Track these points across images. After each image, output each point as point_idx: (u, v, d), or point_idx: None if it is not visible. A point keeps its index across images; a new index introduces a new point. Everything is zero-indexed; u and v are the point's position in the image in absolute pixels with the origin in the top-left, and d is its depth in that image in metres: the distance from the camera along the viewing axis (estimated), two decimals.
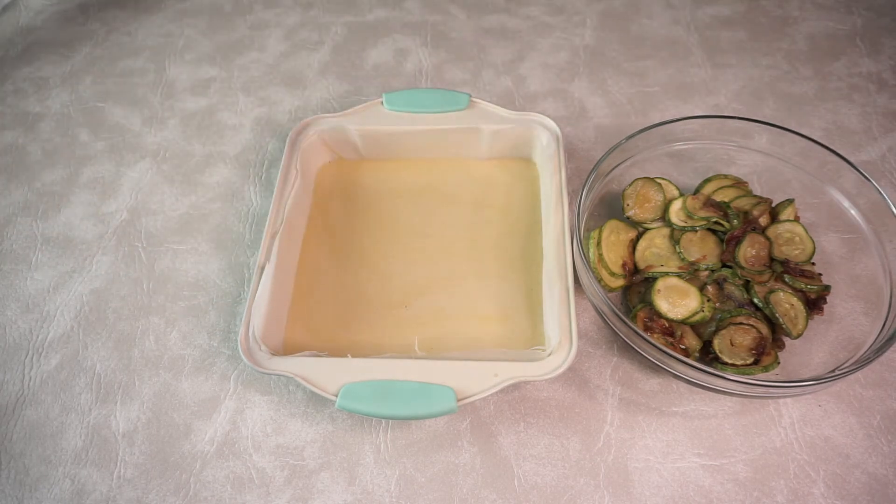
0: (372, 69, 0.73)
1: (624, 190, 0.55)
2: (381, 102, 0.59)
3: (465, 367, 0.45)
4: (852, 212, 0.52)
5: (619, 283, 0.51)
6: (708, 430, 0.47)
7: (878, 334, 0.45)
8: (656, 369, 0.46)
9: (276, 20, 0.79)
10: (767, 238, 0.51)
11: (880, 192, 0.47)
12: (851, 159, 0.51)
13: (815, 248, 0.50)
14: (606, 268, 0.51)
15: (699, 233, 0.51)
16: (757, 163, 0.59)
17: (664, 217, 0.53)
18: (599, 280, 0.51)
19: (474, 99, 0.59)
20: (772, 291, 0.48)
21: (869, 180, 0.48)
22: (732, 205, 0.53)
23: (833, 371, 0.43)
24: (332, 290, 0.54)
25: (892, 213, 0.47)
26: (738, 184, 0.55)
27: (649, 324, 0.48)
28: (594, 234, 0.52)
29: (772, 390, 0.42)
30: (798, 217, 0.52)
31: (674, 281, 0.49)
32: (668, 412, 0.48)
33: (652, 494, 0.44)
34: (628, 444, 0.46)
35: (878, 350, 0.42)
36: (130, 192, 0.63)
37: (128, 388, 0.51)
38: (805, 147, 0.54)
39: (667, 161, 0.58)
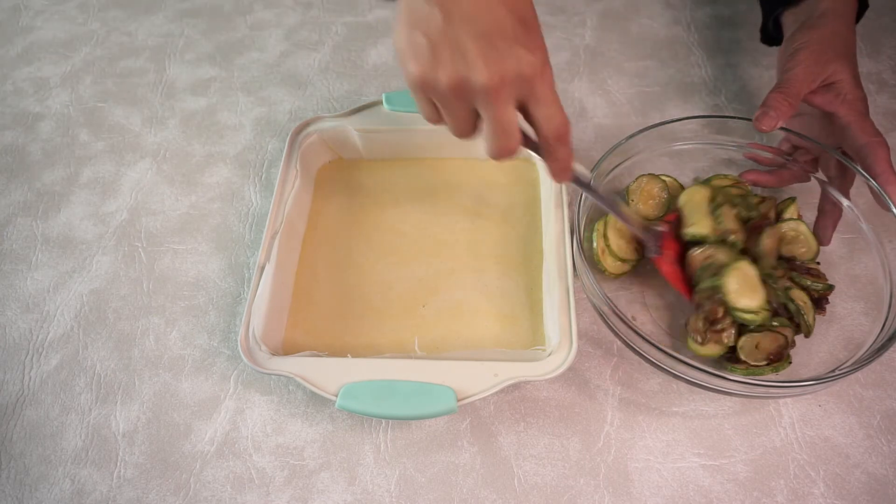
0: (372, 69, 0.73)
1: (628, 186, 0.55)
2: (381, 102, 0.59)
3: (465, 367, 0.45)
4: (852, 212, 0.52)
5: (625, 269, 0.52)
6: (708, 430, 0.47)
7: (878, 334, 0.45)
8: (656, 369, 0.46)
9: (276, 20, 0.79)
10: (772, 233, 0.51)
11: (880, 192, 0.47)
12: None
13: (819, 246, 0.50)
14: (613, 254, 0.51)
15: (735, 209, 0.51)
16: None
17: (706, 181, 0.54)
18: (603, 269, 0.52)
19: None
20: (788, 288, 0.48)
21: (869, 180, 0.48)
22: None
23: (833, 371, 0.43)
24: (331, 290, 0.54)
25: (893, 213, 0.47)
26: (738, 184, 0.55)
27: (707, 304, 0.47)
28: (598, 224, 0.52)
29: (772, 390, 0.42)
30: (801, 216, 0.52)
31: (749, 272, 0.47)
32: (668, 412, 0.48)
33: (652, 494, 0.44)
34: (628, 444, 0.46)
35: (878, 350, 0.42)
36: (130, 192, 0.63)
37: (128, 388, 0.51)
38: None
39: (667, 161, 0.58)
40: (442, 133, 0.58)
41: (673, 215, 0.52)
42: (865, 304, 0.51)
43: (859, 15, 0.53)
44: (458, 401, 0.43)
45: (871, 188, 0.48)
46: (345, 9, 0.79)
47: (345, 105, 0.69)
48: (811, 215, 0.54)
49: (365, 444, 0.47)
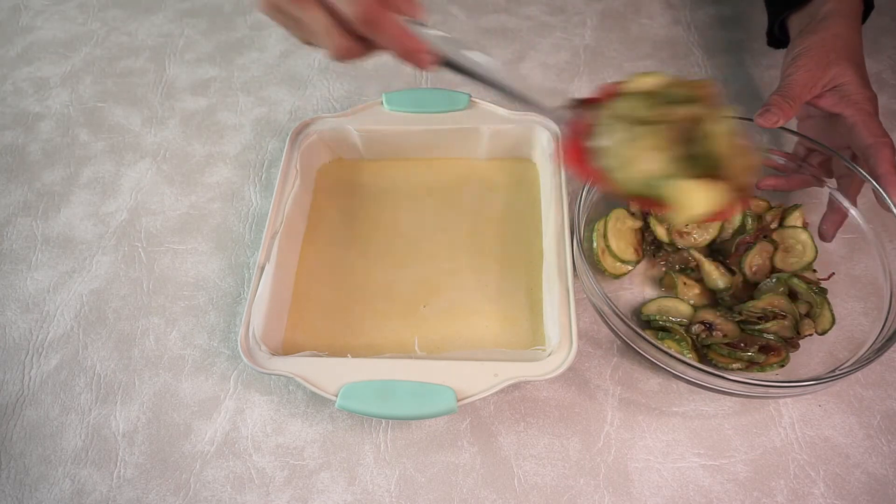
0: (372, 69, 0.73)
1: None
2: (381, 102, 0.59)
3: (465, 367, 0.45)
4: (852, 212, 0.52)
5: (625, 269, 0.52)
6: (708, 430, 0.47)
7: (878, 334, 0.45)
8: (656, 369, 0.46)
9: None
10: (773, 242, 0.51)
11: (880, 193, 0.47)
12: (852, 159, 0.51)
13: (816, 256, 0.50)
14: (613, 255, 0.51)
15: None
16: (757, 162, 0.59)
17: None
18: (603, 269, 0.52)
19: (474, 99, 0.59)
20: (760, 330, 0.48)
21: (869, 180, 0.48)
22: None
23: (833, 371, 0.43)
24: (331, 290, 0.54)
25: (893, 213, 0.47)
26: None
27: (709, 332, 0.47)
28: (598, 224, 0.52)
29: (772, 390, 0.42)
30: (807, 223, 0.52)
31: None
32: (668, 412, 0.48)
33: (652, 494, 0.44)
34: (628, 444, 0.46)
35: (878, 350, 0.42)
36: (130, 192, 0.63)
37: (128, 388, 0.51)
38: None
39: None
40: (442, 133, 0.59)
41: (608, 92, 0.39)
42: (865, 304, 0.51)
43: (865, 16, 0.53)
44: (458, 401, 0.43)
45: (872, 188, 0.48)
46: None
47: (345, 105, 0.69)
48: (812, 216, 0.54)
49: (365, 444, 0.47)
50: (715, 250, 0.53)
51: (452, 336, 0.51)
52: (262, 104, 0.70)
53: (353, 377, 0.45)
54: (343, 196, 0.60)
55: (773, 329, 0.46)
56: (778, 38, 0.58)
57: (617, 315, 0.44)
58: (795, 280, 0.48)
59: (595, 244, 0.52)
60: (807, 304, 0.48)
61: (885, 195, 0.47)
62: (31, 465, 0.47)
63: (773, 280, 0.49)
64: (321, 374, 0.45)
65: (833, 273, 0.51)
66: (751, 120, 0.50)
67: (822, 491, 0.44)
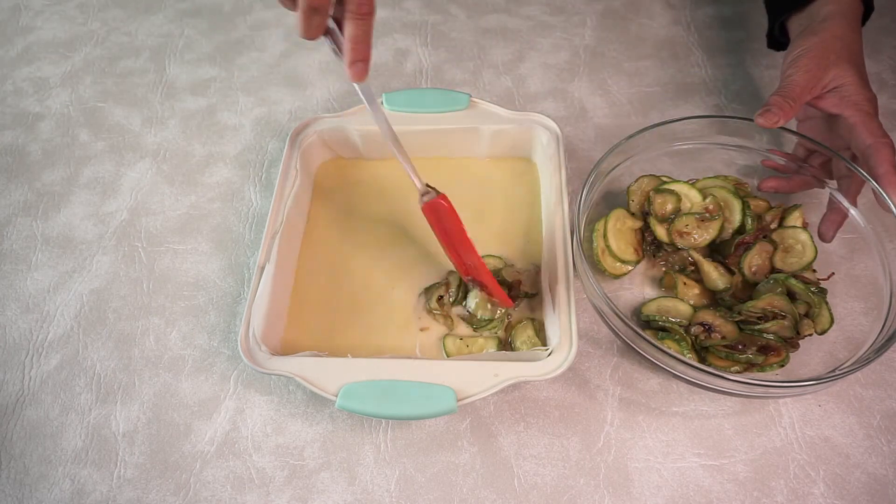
0: (372, 69, 0.72)
1: (629, 186, 0.55)
2: (381, 102, 0.59)
3: (465, 367, 0.45)
4: (852, 212, 0.52)
5: (625, 269, 0.52)
6: (708, 430, 0.47)
7: (878, 334, 0.45)
8: (656, 369, 0.46)
9: (276, 20, 0.79)
10: (773, 242, 0.51)
11: (880, 192, 0.47)
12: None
13: (815, 256, 0.50)
14: (613, 255, 0.51)
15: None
16: (757, 163, 0.59)
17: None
18: (603, 269, 0.52)
19: (474, 99, 0.59)
20: (759, 330, 0.48)
21: (869, 181, 0.48)
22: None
23: (833, 371, 0.43)
24: (331, 290, 0.54)
25: (893, 213, 0.47)
26: (739, 184, 0.55)
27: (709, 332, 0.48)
28: (598, 224, 0.53)
29: (772, 390, 0.42)
30: (806, 224, 0.52)
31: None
32: (668, 412, 0.48)
33: (652, 494, 0.44)
34: (628, 444, 0.46)
35: (878, 350, 0.42)
36: (130, 192, 0.63)
37: (128, 388, 0.51)
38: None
39: (667, 161, 0.58)
40: (442, 133, 0.59)
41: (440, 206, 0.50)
42: (865, 304, 0.51)
43: (865, 17, 0.54)
44: (458, 401, 0.43)
45: (872, 188, 0.48)
46: None
47: (345, 105, 0.69)
48: (812, 216, 0.54)
49: (365, 444, 0.47)
50: (714, 250, 0.53)
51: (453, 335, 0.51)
52: (262, 104, 0.70)
53: (353, 377, 0.45)
54: (343, 196, 0.60)
55: (772, 329, 0.46)
56: (778, 39, 0.58)
57: (617, 315, 0.44)
58: (793, 281, 0.48)
59: (595, 244, 0.52)
60: (805, 304, 0.48)
61: (884, 195, 0.47)
62: (31, 465, 0.47)
63: (771, 281, 0.49)
64: (321, 374, 0.45)
65: (833, 273, 0.51)
66: (751, 120, 0.50)
67: (822, 491, 0.44)
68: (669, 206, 0.53)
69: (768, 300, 0.47)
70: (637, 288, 0.54)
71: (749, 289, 0.50)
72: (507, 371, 0.44)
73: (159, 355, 0.52)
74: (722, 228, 0.52)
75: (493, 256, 0.55)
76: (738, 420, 0.47)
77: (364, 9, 0.41)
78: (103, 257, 0.58)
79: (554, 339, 0.46)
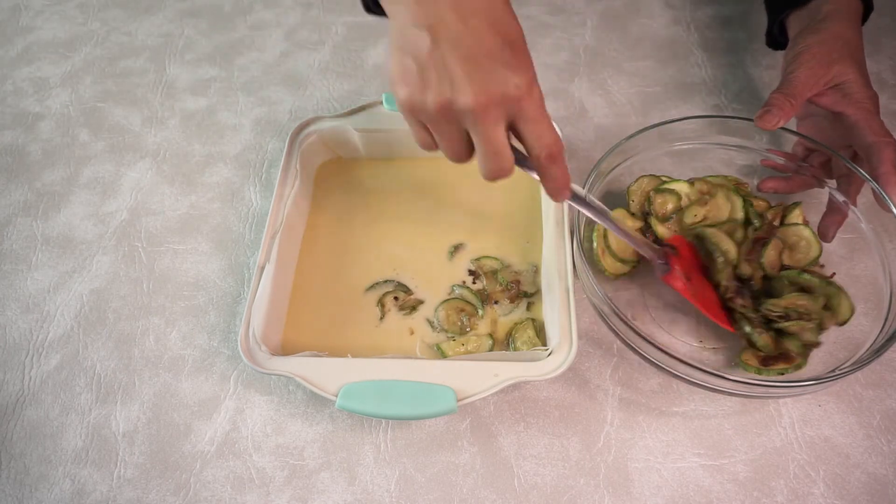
0: (372, 69, 0.73)
1: (629, 186, 0.55)
2: (381, 102, 0.59)
3: (465, 367, 0.45)
4: (852, 211, 0.52)
5: (625, 269, 0.52)
6: (708, 430, 0.47)
7: (878, 334, 0.45)
8: (656, 369, 0.46)
9: (276, 20, 0.79)
10: (780, 240, 0.51)
11: (880, 192, 0.47)
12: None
13: (820, 251, 0.50)
14: (613, 255, 0.51)
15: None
16: (757, 162, 0.59)
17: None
18: (603, 269, 0.52)
19: None
20: (780, 330, 0.48)
21: (869, 180, 0.48)
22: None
23: (833, 371, 0.43)
24: (332, 290, 0.54)
25: (893, 213, 0.47)
26: (738, 184, 0.55)
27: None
28: (598, 224, 0.52)
29: (772, 390, 0.42)
30: (806, 221, 0.52)
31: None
32: (668, 412, 0.48)
33: (652, 494, 0.44)
34: (628, 444, 0.46)
35: (878, 350, 0.42)
36: (130, 192, 0.63)
37: (128, 388, 0.51)
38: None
39: (667, 161, 0.58)
40: None
41: (678, 237, 0.51)
42: (865, 304, 0.51)
43: (865, 16, 0.53)
44: (458, 401, 0.43)
45: (872, 188, 0.48)
46: (345, 9, 0.79)
47: (345, 105, 0.69)
48: (812, 216, 0.54)
49: (365, 444, 0.47)
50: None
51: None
52: (262, 104, 0.70)
53: (353, 377, 0.45)
54: (343, 196, 0.60)
55: (793, 329, 0.46)
56: (777, 38, 0.58)
57: (617, 315, 0.44)
58: (807, 276, 0.48)
59: (595, 244, 0.52)
60: (823, 297, 0.47)
61: (884, 195, 0.47)
62: (31, 465, 0.47)
63: (785, 280, 0.48)
64: (321, 374, 0.45)
65: (833, 273, 0.51)
66: (751, 120, 0.50)
67: (822, 491, 0.44)
68: (670, 206, 0.53)
69: (791, 300, 0.47)
70: (637, 288, 0.54)
71: (766, 283, 0.50)
72: (507, 371, 0.44)
73: (159, 355, 0.52)
74: (729, 220, 0.51)
75: (490, 258, 0.55)
76: (738, 420, 0.47)
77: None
78: (103, 257, 0.58)
79: (554, 340, 0.46)
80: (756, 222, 0.51)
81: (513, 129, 0.37)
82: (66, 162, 0.66)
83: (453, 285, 0.54)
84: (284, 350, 0.50)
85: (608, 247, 0.52)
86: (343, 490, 0.45)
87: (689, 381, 0.44)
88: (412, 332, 0.52)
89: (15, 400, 0.51)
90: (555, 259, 0.49)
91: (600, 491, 0.45)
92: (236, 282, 0.56)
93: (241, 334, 0.47)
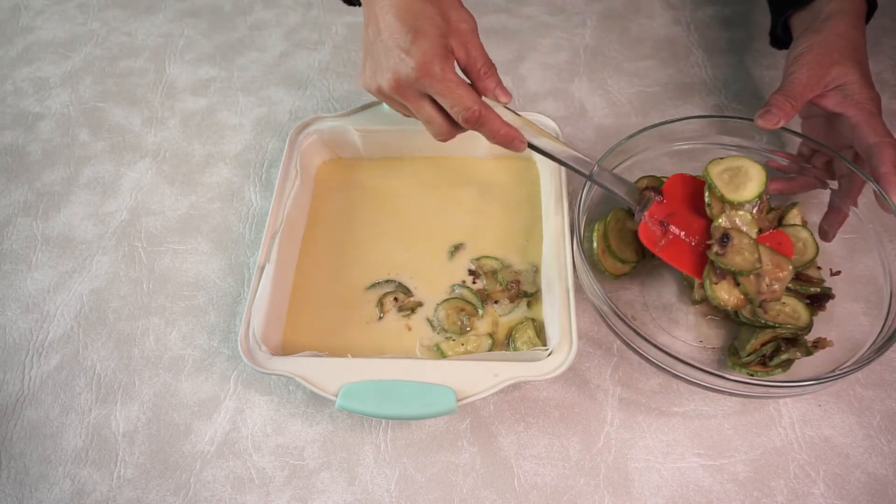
0: None
1: None
2: (381, 102, 0.59)
3: (465, 367, 0.45)
4: (853, 212, 0.52)
5: (625, 269, 0.52)
6: (708, 430, 0.47)
7: (878, 334, 0.45)
8: (656, 369, 0.46)
9: (276, 20, 0.79)
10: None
11: (880, 193, 0.47)
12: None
13: (817, 252, 0.50)
14: (613, 255, 0.51)
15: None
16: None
17: None
18: (603, 269, 0.52)
19: None
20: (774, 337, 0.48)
21: (869, 180, 0.48)
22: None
23: (833, 371, 0.43)
24: (332, 290, 0.54)
25: (893, 213, 0.47)
26: None
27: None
28: (598, 225, 0.52)
29: (772, 390, 0.42)
30: (805, 221, 0.52)
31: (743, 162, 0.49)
32: (668, 412, 0.48)
33: (652, 494, 0.44)
34: (628, 444, 0.46)
35: (878, 350, 0.42)
36: (130, 192, 0.63)
37: (128, 388, 0.51)
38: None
39: (667, 161, 0.57)
40: None
41: (680, 176, 0.51)
42: (865, 304, 0.51)
43: (868, 16, 0.53)
44: (458, 401, 0.43)
45: (873, 189, 0.48)
46: (345, 9, 0.79)
47: (345, 105, 0.69)
48: (812, 216, 0.54)
49: (365, 444, 0.47)
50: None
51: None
52: (262, 104, 0.70)
53: (353, 377, 0.45)
54: (343, 195, 0.60)
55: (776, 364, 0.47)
56: (781, 38, 0.58)
57: (617, 315, 0.44)
58: (778, 329, 0.47)
59: (595, 244, 0.52)
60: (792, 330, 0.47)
61: (884, 195, 0.47)
62: (31, 465, 0.47)
63: (757, 325, 0.48)
64: (321, 374, 0.45)
65: (839, 271, 0.51)
66: (751, 120, 0.50)
67: (822, 491, 0.44)
68: None
69: (760, 340, 0.47)
70: (637, 288, 0.54)
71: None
72: (507, 371, 0.44)
73: (159, 355, 0.52)
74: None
75: (491, 258, 0.55)
76: (738, 420, 0.47)
77: (469, 115, 0.44)
78: (103, 257, 0.58)
79: (554, 340, 0.46)
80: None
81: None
82: (66, 162, 0.66)
83: (453, 285, 0.54)
84: (284, 350, 0.50)
85: (608, 247, 0.52)
86: (343, 490, 0.45)
87: (689, 381, 0.44)
88: (410, 329, 0.52)
89: (15, 400, 0.51)
90: (555, 259, 0.49)
91: (600, 491, 0.45)
92: (236, 282, 0.56)
93: (241, 334, 0.47)
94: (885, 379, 0.48)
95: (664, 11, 0.76)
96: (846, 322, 0.50)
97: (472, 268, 0.55)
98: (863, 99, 0.49)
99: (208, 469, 0.47)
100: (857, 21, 0.51)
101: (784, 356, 0.46)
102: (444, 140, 0.47)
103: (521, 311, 0.52)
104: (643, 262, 0.54)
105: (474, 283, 0.54)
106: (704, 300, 0.51)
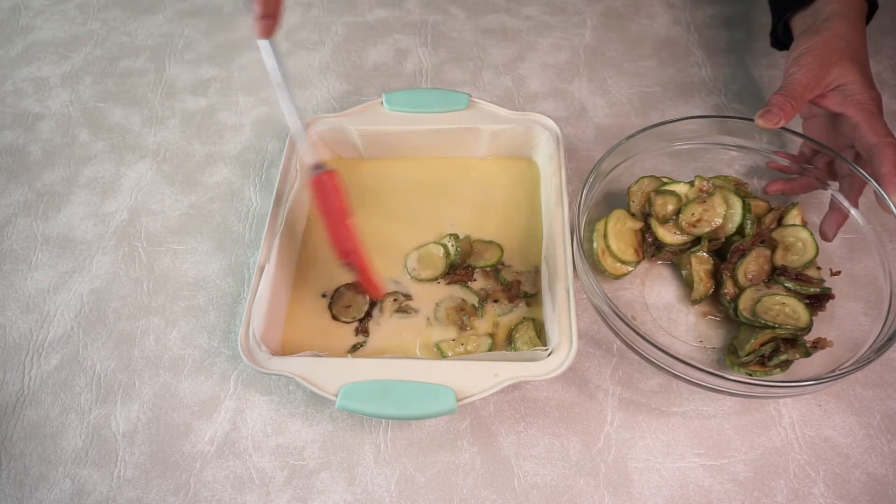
0: (372, 69, 0.73)
1: (629, 187, 0.55)
2: (381, 102, 0.59)
3: (465, 367, 0.45)
4: (853, 212, 0.52)
5: (625, 270, 0.52)
6: (708, 430, 0.47)
7: (878, 334, 0.45)
8: (656, 369, 0.46)
9: None
10: (773, 241, 0.51)
11: (881, 193, 0.47)
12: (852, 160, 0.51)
13: (817, 252, 0.50)
14: (613, 255, 0.51)
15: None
16: (757, 163, 0.59)
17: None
18: (603, 270, 0.52)
19: (474, 99, 0.59)
20: (758, 301, 0.48)
21: (869, 181, 0.48)
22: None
23: (833, 371, 0.43)
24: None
25: (893, 213, 0.47)
26: (739, 184, 0.55)
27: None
28: (599, 225, 0.52)
29: (772, 390, 0.42)
30: (805, 221, 0.52)
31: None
32: (668, 412, 0.48)
33: (652, 494, 0.44)
34: (628, 444, 0.46)
35: (878, 350, 0.42)
36: (130, 192, 0.63)
37: (128, 388, 0.51)
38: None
39: (667, 161, 0.58)
40: (442, 133, 0.59)
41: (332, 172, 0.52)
42: (865, 304, 0.51)
43: (869, 16, 0.53)
44: (458, 401, 0.43)
45: (873, 189, 0.48)
46: (345, 9, 0.79)
47: (345, 105, 0.69)
48: (812, 216, 0.54)
49: (365, 444, 0.47)
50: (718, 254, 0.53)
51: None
52: (262, 104, 0.70)
53: (353, 377, 0.45)
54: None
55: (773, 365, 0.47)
56: (781, 38, 0.58)
57: (617, 315, 0.44)
58: (776, 329, 0.47)
59: (595, 244, 0.52)
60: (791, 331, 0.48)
61: (885, 196, 0.47)
62: (31, 465, 0.47)
63: (756, 325, 0.48)
64: (321, 374, 0.45)
65: (839, 271, 0.51)
66: (751, 120, 0.50)
67: (822, 491, 0.44)
68: (670, 208, 0.53)
69: (759, 340, 0.47)
70: (637, 288, 0.54)
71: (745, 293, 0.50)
72: (507, 371, 0.44)
73: (159, 355, 0.52)
74: (726, 218, 0.51)
75: (491, 242, 0.55)
76: (738, 420, 0.47)
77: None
78: (103, 257, 0.58)
79: (554, 340, 0.46)
80: (749, 230, 0.51)
81: None
82: (66, 162, 0.66)
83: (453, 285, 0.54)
84: (284, 350, 0.50)
85: (608, 247, 0.52)
86: (343, 490, 0.45)
87: (689, 380, 0.44)
88: (409, 329, 0.52)
89: (15, 400, 0.51)
90: (555, 259, 0.49)
91: (600, 491, 0.45)
92: (236, 282, 0.56)
93: (241, 334, 0.47)
94: (885, 379, 0.48)
95: (664, 11, 0.76)
96: (846, 322, 0.50)
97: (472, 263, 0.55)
98: (863, 99, 0.49)
99: (208, 469, 0.47)
100: (858, 22, 0.51)
101: (783, 357, 0.46)
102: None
103: (521, 311, 0.52)
104: (643, 262, 0.54)
105: (474, 282, 0.54)
106: (704, 300, 0.51)
